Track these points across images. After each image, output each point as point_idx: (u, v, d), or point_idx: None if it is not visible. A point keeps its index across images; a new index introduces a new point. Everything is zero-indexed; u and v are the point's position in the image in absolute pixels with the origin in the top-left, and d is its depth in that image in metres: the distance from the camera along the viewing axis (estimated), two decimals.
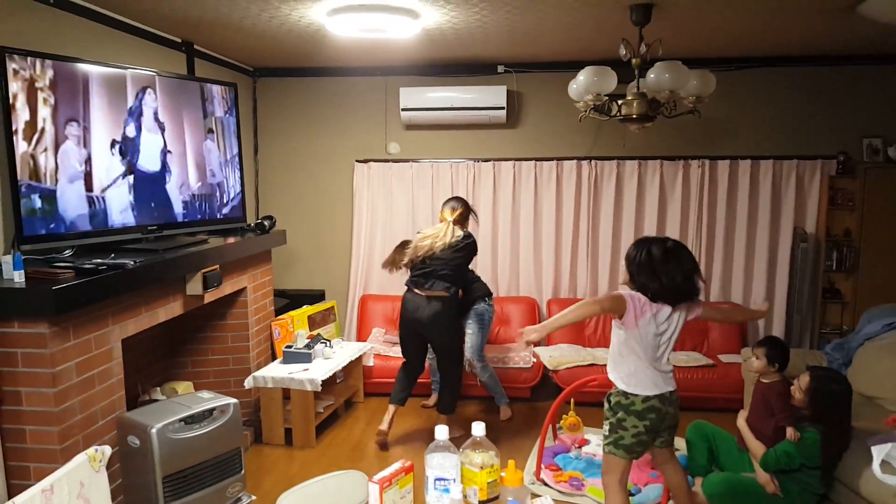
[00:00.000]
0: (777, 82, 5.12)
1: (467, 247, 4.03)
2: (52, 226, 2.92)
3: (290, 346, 4.30)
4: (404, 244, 4.22)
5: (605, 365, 4.51)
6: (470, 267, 4.25)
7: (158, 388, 3.85)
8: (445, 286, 3.95)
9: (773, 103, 5.15)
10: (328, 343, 4.48)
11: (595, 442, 3.95)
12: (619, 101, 3.66)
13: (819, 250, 5.13)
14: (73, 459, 1.62)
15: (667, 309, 2.59)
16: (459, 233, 4.02)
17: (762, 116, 5.18)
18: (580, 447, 3.93)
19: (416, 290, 3.98)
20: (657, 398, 2.62)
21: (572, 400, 4.05)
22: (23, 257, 2.91)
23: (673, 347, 2.67)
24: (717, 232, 5.26)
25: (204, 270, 3.51)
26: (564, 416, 4.07)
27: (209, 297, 3.69)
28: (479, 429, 1.82)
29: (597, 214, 5.33)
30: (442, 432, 1.79)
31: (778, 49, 4.72)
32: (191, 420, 2.87)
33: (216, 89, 4.01)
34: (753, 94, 5.15)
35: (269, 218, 4.47)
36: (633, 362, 2.63)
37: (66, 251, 3.13)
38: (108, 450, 1.73)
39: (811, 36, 4.26)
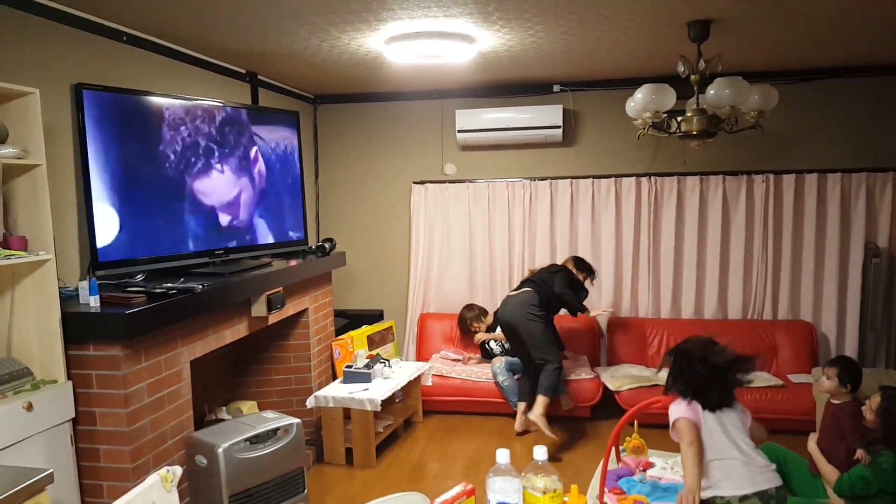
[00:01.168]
0: (844, 93, 4.93)
1: (562, 271, 4.65)
2: (125, 252, 3.07)
3: (350, 366, 4.36)
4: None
5: None
6: None
7: (224, 408, 3.96)
8: (532, 286, 4.54)
9: (839, 115, 4.97)
10: (387, 363, 4.52)
11: (660, 465, 3.84)
12: (679, 118, 3.60)
13: (893, 265, 4.88)
14: (147, 480, 1.68)
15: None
16: (559, 263, 4.82)
17: (829, 129, 5.00)
18: (645, 470, 3.82)
19: (509, 293, 4.65)
20: (756, 496, 2.36)
21: (636, 422, 3.95)
22: (98, 282, 3.07)
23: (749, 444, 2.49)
24: (783, 248, 5.08)
25: (268, 293, 3.61)
26: (628, 438, 3.97)
27: (273, 319, 3.79)
28: (541, 453, 1.80)
29: (657, 232, 5.24)
30: (503, 456, 1.78)
31: (844, 59, 4.56)
32: (256, 440, 2.94)
33: (281, 117, 4.15)
34: (819, 106, 4.98)
35: (330, 240, 4.57)
36: (721, 461, 2.44)
37: (138, 275, 3.28)
38: (179, 470, 1.78)
39: (879, 44, 4.10)
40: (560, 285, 4.51)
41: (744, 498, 2.36)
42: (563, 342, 5.02)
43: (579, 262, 4.80)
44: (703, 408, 2.48)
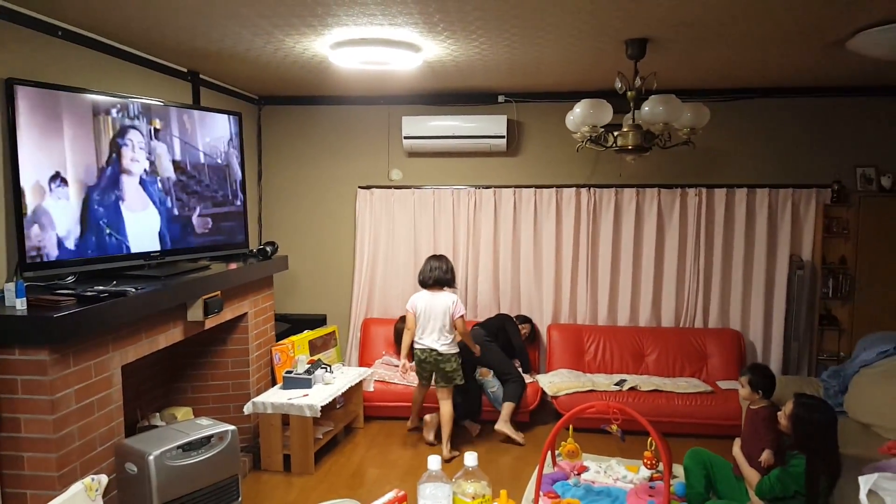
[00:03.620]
0: (773, 112, 5.19)
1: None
2: (51, 253, 2.98)
3: (290, 372, 4.32)
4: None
5: (606, 391, 4.61)
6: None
7: (158, 414, 3.87)
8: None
9: (769, 133, 5.22)
10: (328, 368, 4.49)
11: (594, 469, 3.94)
12: (615, 133, 3.72)
13: (815, 277, 5.15)
14: (70, 489, 1.65)
15: (424, 293, 4.39)
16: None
17: (758, 146, 5.24)
18: (579, 474, 3.91)
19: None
20: (419, 350, 4.38)
21: (571, 426, 4.04)
22: (25, 284, 2.96)
23: (442, 326, 4.32)
24: (714, 259, 5.30)
25: (205, 297, 3.55)
26: (563, 442, 4.06)
27: (210, 323, 3.72)
28: (471, 459, 1.84)
29: (596, 241, 5.38)
30: (434, 462, 1.81)
31: (773, 80, 4.79)
32: (188, 447, 2.89)
33: (221, 118, 4.09)
34: (750, 124, 5.22)
35: (272, 244, 4.52)
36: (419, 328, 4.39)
37: (69, 277, 3.18)
38: (104, 479, 1.75)
39: (805, 68, 4.33)
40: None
41: (417, 347, 4.40)
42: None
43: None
44: (423, 287, 4.44)
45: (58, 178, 3.01)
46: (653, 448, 3.78)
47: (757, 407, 3.36)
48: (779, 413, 3.19)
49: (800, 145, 5.20)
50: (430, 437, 4.56)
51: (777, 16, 3.12)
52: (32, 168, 2.91)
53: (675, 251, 5.31)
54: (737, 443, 3.43)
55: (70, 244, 3.07)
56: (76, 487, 1.66)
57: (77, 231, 3.10)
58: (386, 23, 3.24)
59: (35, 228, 2.90)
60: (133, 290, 2.96)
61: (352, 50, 3.63)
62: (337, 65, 4.06)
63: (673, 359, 5.17)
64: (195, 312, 3.52)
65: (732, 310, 5.32)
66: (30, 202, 2.89)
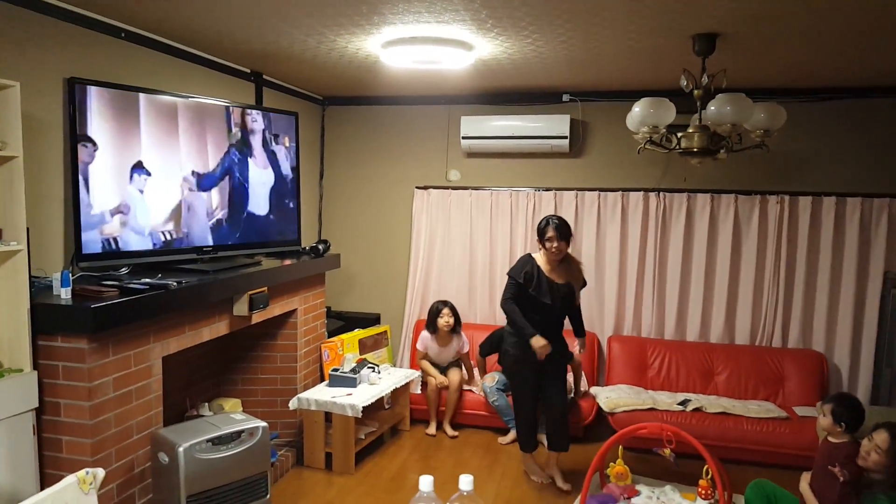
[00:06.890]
0: (866, 114, 4.70)
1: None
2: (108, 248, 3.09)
3: (336, 370, 4.32)
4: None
5: (667, 410, 4.34)
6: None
7: (207, 404, 3.96)
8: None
9: (862, 137, 4.74)
10: (375, 368, 4.46)
11: (646, 494, 3.71)
12: (679, 134, 3.48)
13: None
14: (62, 480, 1.67)
15: None
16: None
17: (850, 151, 4.77)
18: (629, 498, 3.70)
19: None
20: None
21: (621, 447, 3.83)
22: (81, 274, 3.08)
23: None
24: (797, 273, 4.88)
25: (251, 292, 3.59)
26: (612, 463, 3.85)
27: (256, 319, 3.76)
28: (466, 482, 1.73)
29: (665, 249, 5.08)
30: (426, 484, 1.72)
31: (866, 79, 4.35)
32: (219, 441, 2.91)
33: (278, 119, 4.13)
34: (840, 127, 4.76)
35: (324, 242, 4.55)
36: None
37: (123, 269, 3.29)
38: (101, 472, 1.76)
39: None
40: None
41: None
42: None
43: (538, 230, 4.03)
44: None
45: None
46: (709, 476, 3.52)
47: (839, 441, 3.05)
48: (864, 448, 2.89)
49: None
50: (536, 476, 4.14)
51: (854, 9, 2.81)
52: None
53: (753, 263, 4.93)
54: (804, 477, 3.14)
55: (124, 236, 3.17)
56: (69, 479, 1.68)
57: (132, 223, 3.20)
58: (433, 20, 3.16)
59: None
60: (174, 283, 3.01)
61: (403, 49, 3.58)
62: (389, 64, 4.02)
63: (746, 379, 4.81)
64: (240, 307, 3.57)
65: (815, 329, 4.88)
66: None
